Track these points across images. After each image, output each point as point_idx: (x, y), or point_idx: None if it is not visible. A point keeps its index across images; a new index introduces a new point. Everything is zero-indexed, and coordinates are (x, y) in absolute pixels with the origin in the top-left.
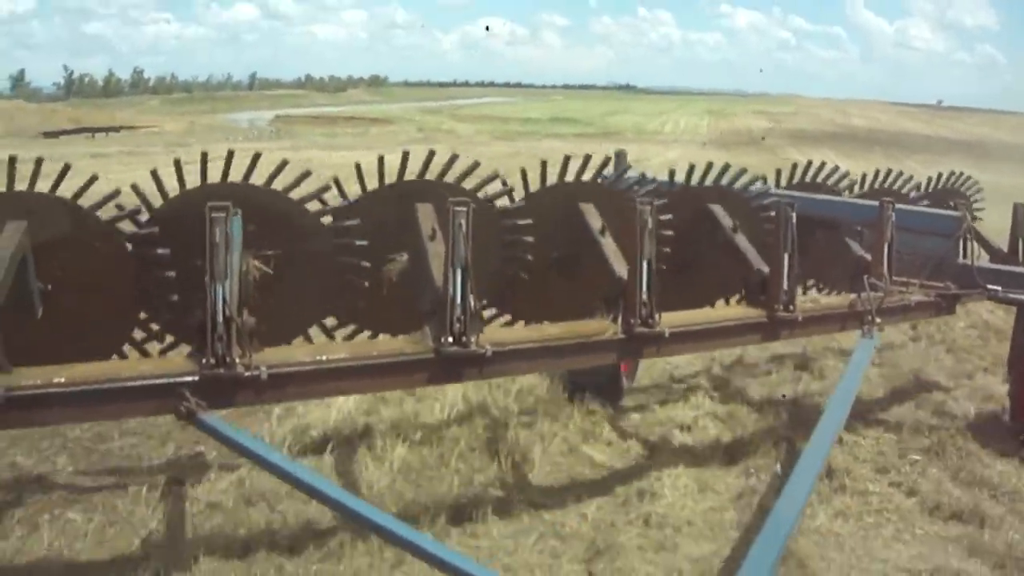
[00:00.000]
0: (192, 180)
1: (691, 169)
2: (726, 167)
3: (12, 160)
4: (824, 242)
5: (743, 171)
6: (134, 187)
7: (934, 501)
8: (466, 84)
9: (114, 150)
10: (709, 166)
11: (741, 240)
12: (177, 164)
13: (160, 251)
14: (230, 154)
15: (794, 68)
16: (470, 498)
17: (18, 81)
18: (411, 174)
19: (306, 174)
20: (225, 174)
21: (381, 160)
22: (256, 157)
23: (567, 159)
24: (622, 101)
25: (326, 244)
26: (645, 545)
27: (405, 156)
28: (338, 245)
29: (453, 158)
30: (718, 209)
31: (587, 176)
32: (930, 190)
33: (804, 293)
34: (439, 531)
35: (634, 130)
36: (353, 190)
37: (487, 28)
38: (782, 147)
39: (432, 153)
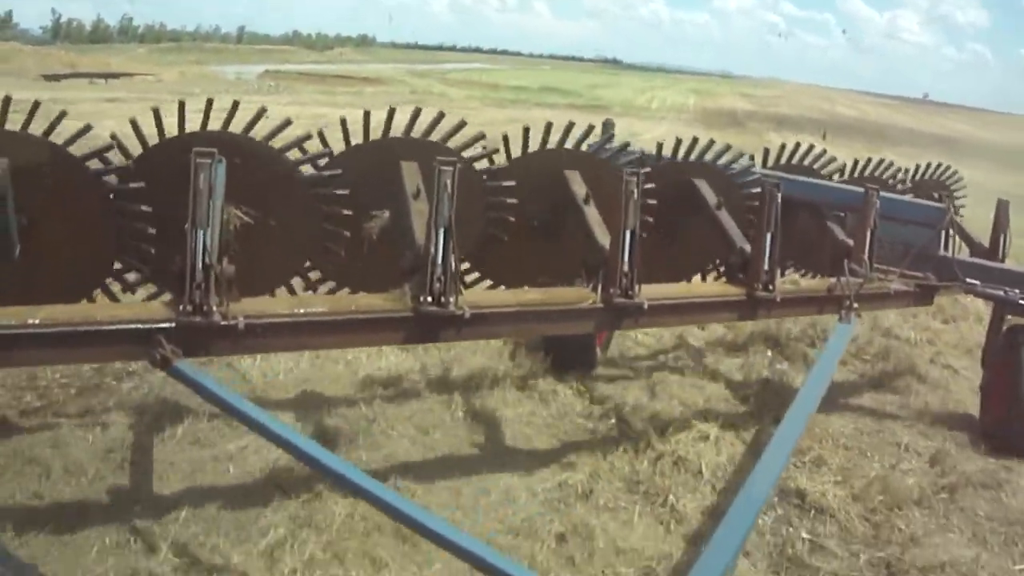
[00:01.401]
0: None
1: (678, 143)
2: (713, 143)
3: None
4: (806, 225)
5: (728, 147)
6: (113, 136)
7: (878, 380)
8: (453, 48)
9: (125, 95)
10: (695, 141)
11: (724, 217)
12: (155, 112)
13: (137, 194)
14: (209, 102)
15: (781, 53)
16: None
17: (5, 23)
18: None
19: (287, 122)
20: (204, 123)
21: (367, 115)
22: (235, 105)
23: (549, 125)
24: (609, 75)
25: (307, 195)
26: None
27: (391, 112)
28: (318, 197)
29: (439, 116)
30: (703, 184)
31: (573, 144)
32: (915, 180)
33: (783, 274)
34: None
35: (622, 104)
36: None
37: None
38: (764, 130)
39: (418, 111)
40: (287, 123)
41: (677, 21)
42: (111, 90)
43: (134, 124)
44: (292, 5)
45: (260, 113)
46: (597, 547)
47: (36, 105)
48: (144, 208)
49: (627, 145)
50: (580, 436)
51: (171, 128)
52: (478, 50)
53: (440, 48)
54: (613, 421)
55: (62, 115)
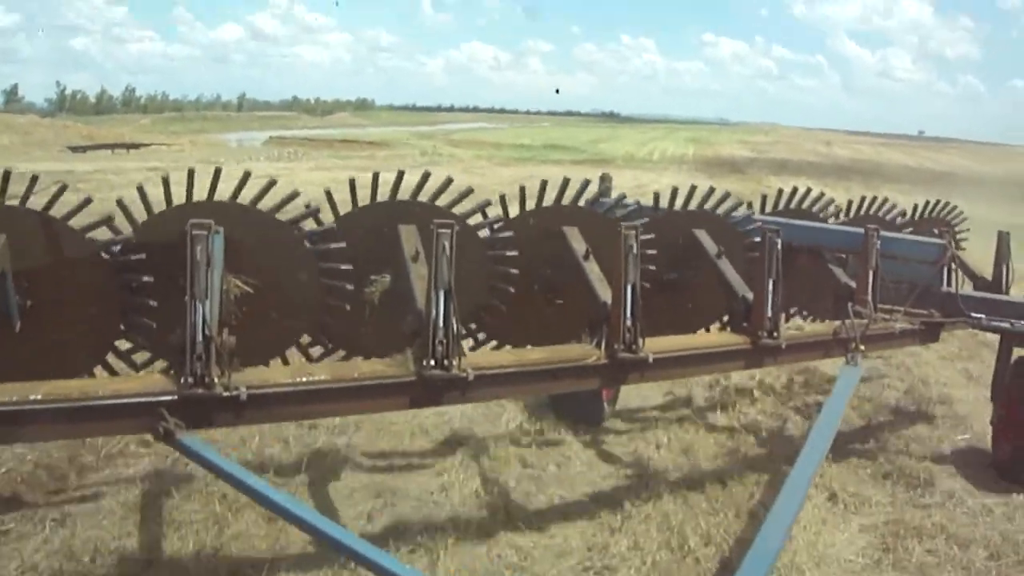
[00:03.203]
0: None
1: (674, 193)
2: (711, 191)
3: (6, 175)
4: (807, 270)
5: (727, 195)
6: (119, 202)
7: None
8: (452, 109)
9: (162, 164)
10: (693, 190)
11: (725, 266)
12: (165, 181)
13: (138, 268)
14: (246, 174)
15: (776, 97)
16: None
17: (11, 96)
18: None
19: (294, 194)
20: (212, 190)
21: (375, 177)
22: (246, 176)
23: (566, 181)
24: (609, 129)
25: (307, 264)
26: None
27: (400, 175)
28: (320, 266)
29: (448, 181)
30: (703, 235)
31: (572, 200)
32: (915, 218)
33: (787, 320)
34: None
35: (624, 157)
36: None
37: None
38: (765, 176)
39: (427, 174)
40: (315, 211)
41: (672, 71)
42: (145, 159)
43: (166, 183)
44: (289, 71)
45: (293, 195)
46: (706, 425)
47: (63, 188)
48: (147, 280)
49: (637, 204)
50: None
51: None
52: (476, 109)
53: (438, 109)
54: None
55: (87, 201)
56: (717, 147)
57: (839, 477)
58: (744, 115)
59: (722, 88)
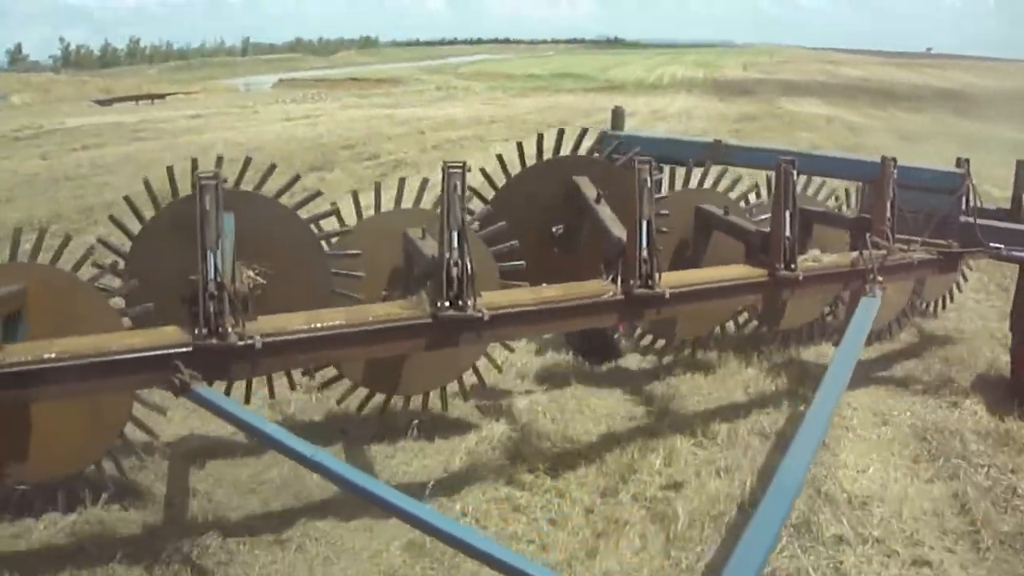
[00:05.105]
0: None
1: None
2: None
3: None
4: None
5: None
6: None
7: None
8: (455, 42)
9: (200, 111)
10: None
11: (735, 219)
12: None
13: None
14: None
15: (779, 18)
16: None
17: (15, 55)
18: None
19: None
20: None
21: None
22: (247, 161)
23: (561, 133)
24: (615, 56)
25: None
26: None
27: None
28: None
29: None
30: (709, 206)
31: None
32: None
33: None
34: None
35: (635, 83)
36: None
37: None
38: (775, 98)
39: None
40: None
41: None
42: (179, 109)
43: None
44: (291, 12)
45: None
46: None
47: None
48: None
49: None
50: None
51: None
52: (479, 41)
53: (442, 43)
54: None
55: None
56: (725, 70)
57: None
58: (748, 37)
59: (725, 11)
